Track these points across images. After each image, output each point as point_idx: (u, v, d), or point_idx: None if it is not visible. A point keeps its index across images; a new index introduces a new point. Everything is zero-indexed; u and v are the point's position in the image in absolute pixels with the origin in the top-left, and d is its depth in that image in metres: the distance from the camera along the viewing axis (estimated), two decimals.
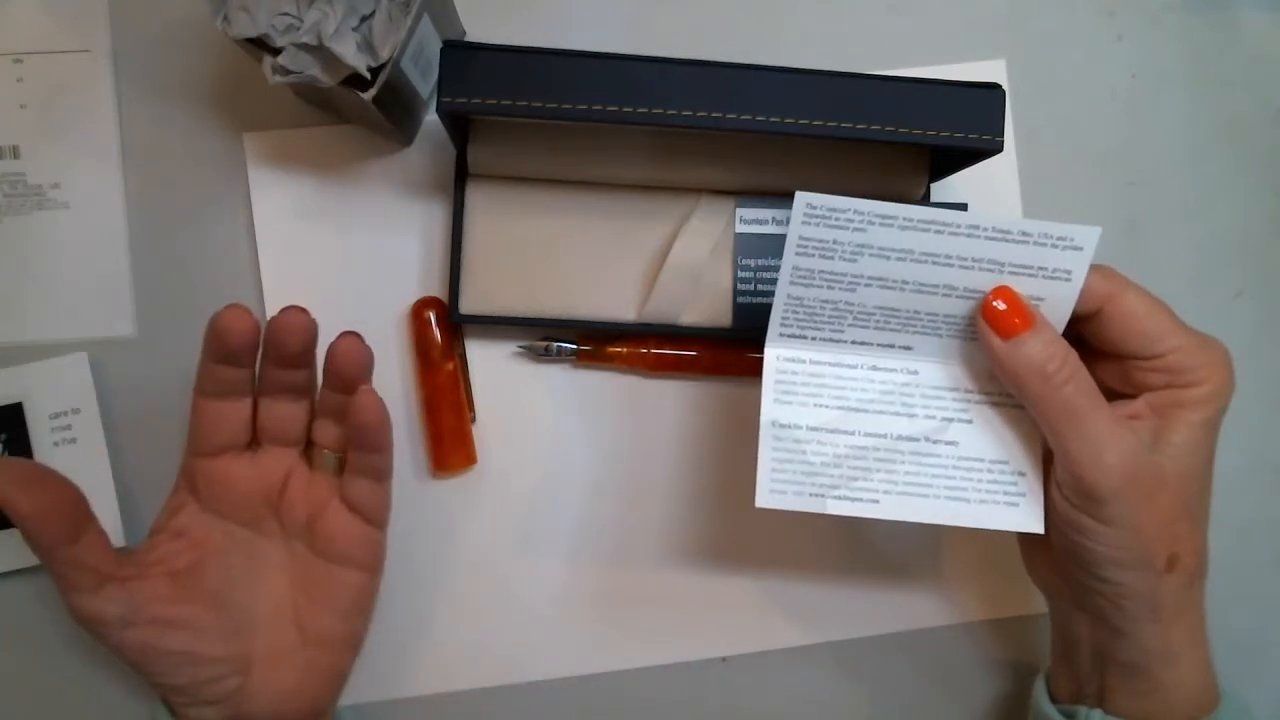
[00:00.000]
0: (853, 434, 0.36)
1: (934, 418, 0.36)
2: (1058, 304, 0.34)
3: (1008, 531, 0.36)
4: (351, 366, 0.37)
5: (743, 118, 0.36)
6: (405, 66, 0.37)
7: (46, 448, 0.43)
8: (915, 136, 0.37)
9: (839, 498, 0.35)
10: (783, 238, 0.42)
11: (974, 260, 0.34)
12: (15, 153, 0.44)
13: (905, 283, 0.34)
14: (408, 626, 0.44)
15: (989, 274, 0.34)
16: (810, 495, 0.35)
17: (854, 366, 0.36)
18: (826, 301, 0.35)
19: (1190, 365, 0.34)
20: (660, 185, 0.43)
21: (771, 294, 0.42)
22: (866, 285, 0.34)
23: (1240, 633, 0.46)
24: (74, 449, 0.43)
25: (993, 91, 0.37)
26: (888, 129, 0.37)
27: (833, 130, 0.36)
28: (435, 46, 0.39)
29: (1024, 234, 0.33)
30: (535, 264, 0.43)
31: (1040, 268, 0.34)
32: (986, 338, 0.34)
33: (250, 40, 0.36)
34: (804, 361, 0.36)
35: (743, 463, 0.45)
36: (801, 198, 0.32)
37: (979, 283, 0.34)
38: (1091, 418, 0.33)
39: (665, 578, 0.45)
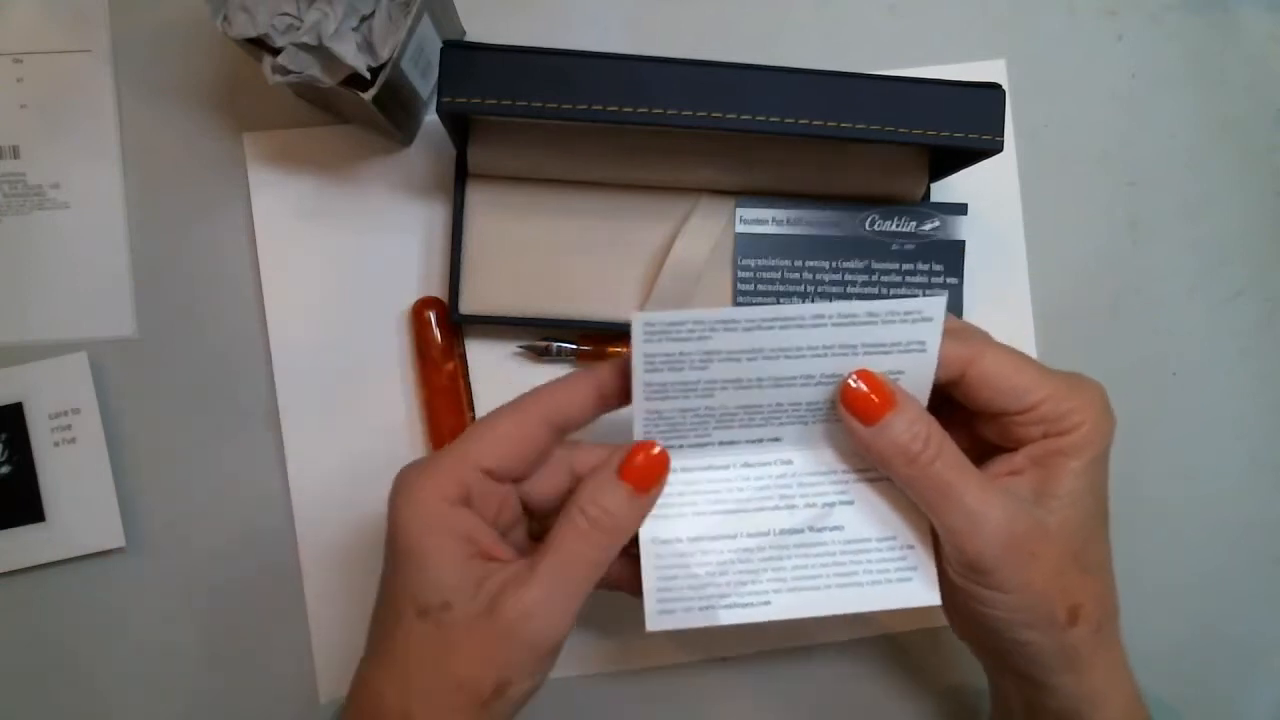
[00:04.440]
0: (735, 537, 0.35)
1: (815, 505, 0.35)
2: (917, 376, 0.33)
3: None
4: None
5: (743, 118, 0.36)
6: (405, 66, 0.37)
7: (46, 448, 0.43)
8: (915, 136, 0.37)
9: (729, 606, 0.34)
10: (783, 238, 0.42)
11: (825, 348, 0.33)
12: (15, 153, 0.44)
13: (761, 380, 0.33)
14: None
15: (844, 358, 0.33)
16: (700, 610, 0.34)
17: (726, 467, 0.35)
18: (686, 410, 0.34)
19: (1062, 411, 0.33)
20: (660, 185, 0.43)
21: (772, 293, 0.42)
22: (723, 389, 0.33)
23: (1240, 633, 0.47)
24: (74, 449, 0.43)
25: (993, 91, 0.37)
26: (888, 129, 0.37)
27: (833, 130, 0.36)
28: (435, 46, 0.39)
29: (870, 315, 0.32)
30: (535, 264, 0.43)
31: (894, 343, 0.33)
32: (850, 424, 0.33)
33: (250, 40, 0.36)
34: (675, 471, 0.34)
35: None
36: (638, 319, 0.31)
37: (836, 367, 0.33)
38: (962, 491, 0.32)
39: None
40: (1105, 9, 0.48)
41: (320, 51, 0.36)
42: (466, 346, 0.45)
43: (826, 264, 0.43)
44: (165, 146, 0.45)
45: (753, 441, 0.35)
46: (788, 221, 0.43)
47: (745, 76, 0.36)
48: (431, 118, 0.45)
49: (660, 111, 0.36)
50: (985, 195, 0.46)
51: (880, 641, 0.46)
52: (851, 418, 0.33)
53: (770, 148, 0.42)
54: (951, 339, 0.33)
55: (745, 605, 0.34)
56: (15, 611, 0.43)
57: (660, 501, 0.34)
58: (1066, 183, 0.47)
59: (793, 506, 0.35)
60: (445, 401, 0.43)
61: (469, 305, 0.43)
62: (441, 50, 0.35)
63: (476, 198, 0.43)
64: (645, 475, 0.33)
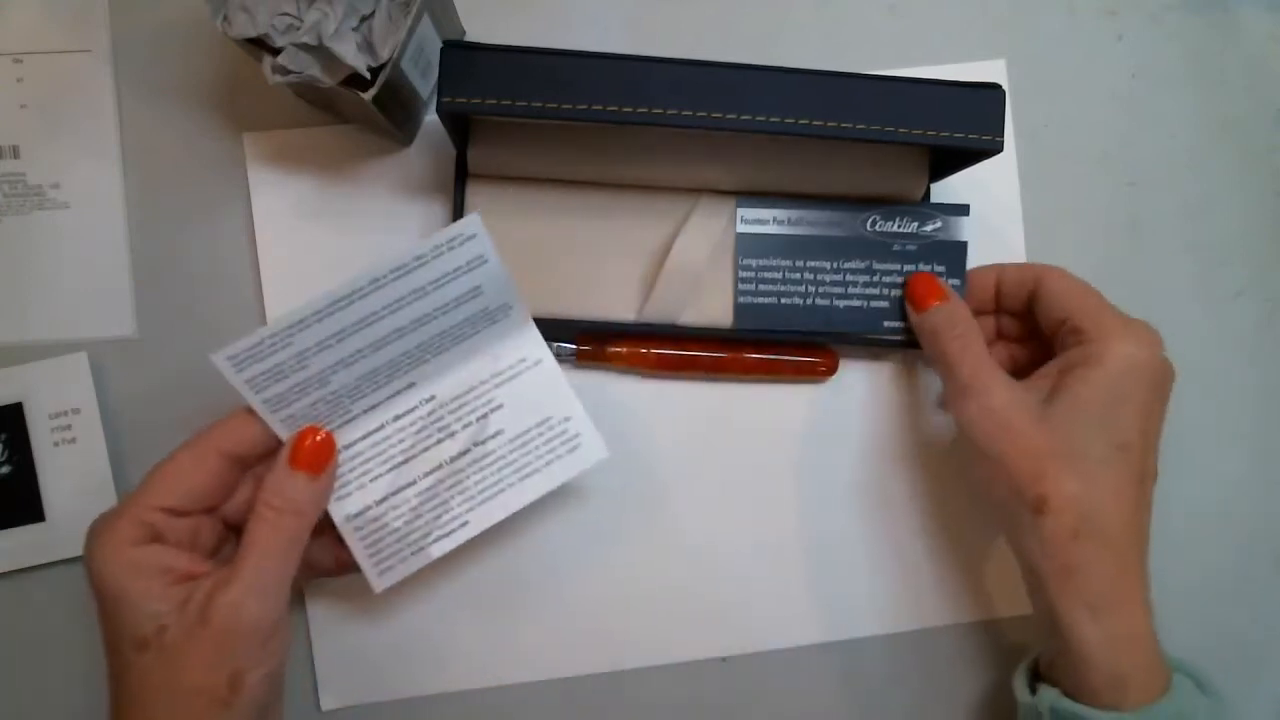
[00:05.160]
0: (414, 482, 0.38)
1: (470, 423, 0.38)
2: (493, 284, 0.36)
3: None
4: None
5: (743, 118, 0.36)
6: (405, 66, 0.37)
7: (46, 448, 0.43)
8: (915, 136, 0.37)
9: (436, 540, 0.38)
10: (785, 238, 0.42)
11: (398, 300, 0.35)
12: (15, 153, 0.44)
13: (360, 350, 0.35)
14: (407, 627, 0.44)
15: (422, 301, 0.35)
16: (413, 555, 0.38)
17: (380, 428, 0.38)
18: (315, 402, 0.36)
19: (1100, 326, 0.37)
20: (660, 185, 0.43)
21: (774, 293, 0.42)
22: (333, 373, 0.35)
23: (1240, 633, 0.47)
24: (74, 449, 0.43)
25: (993, 91, 0.37)
26: (888, 129, 0.37)
27: (833, 130, 0.36)
28: (435, 46, 0.39)
29: (418, 258, 0.34)
30: (535, 264, 0.43)
31: (456, 268, 0.35)
32: (908, 307, 0.42)
33: (250, 40, 0.36)
34: (339, 451, 0.37)
35: (741, 462, 0.45)
36: (216, 359, 0.33)
37: (419, 312, 0.35)
38: (965, 361, 0.38)
39: (665, 577, 0.45)
40: (1105, 9, 0.48)
41: (320, 51, 0.36)
42: None
43: (828, 264, 0.43)
44: (165, 146, 0.45)
45: (391, 396, 0.37)
46: (789, 221, 0.43)
47: (745, 76, 0.36)
48: (431, 118, 0.45)
49: (660, 111, 0.36)
50: (985, 195, 0.46)
51: (879, 642, 0.46)
52: (909, 302, 0.42)
53: (770, 148, 0.42)
54: (1031, 264, 0.42)
55: (448, 534, 0.38)
56: (15, 611, 0.43)
57: (337, 484, 0.37)
58: (1066, 183, 0.47)
59: (453, 434, 0.38)
60: None
61: None
62: (441, 50, 0.35)
63: (476, 198, 0.43)
64: (314, 458, 0.35)
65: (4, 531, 0.42)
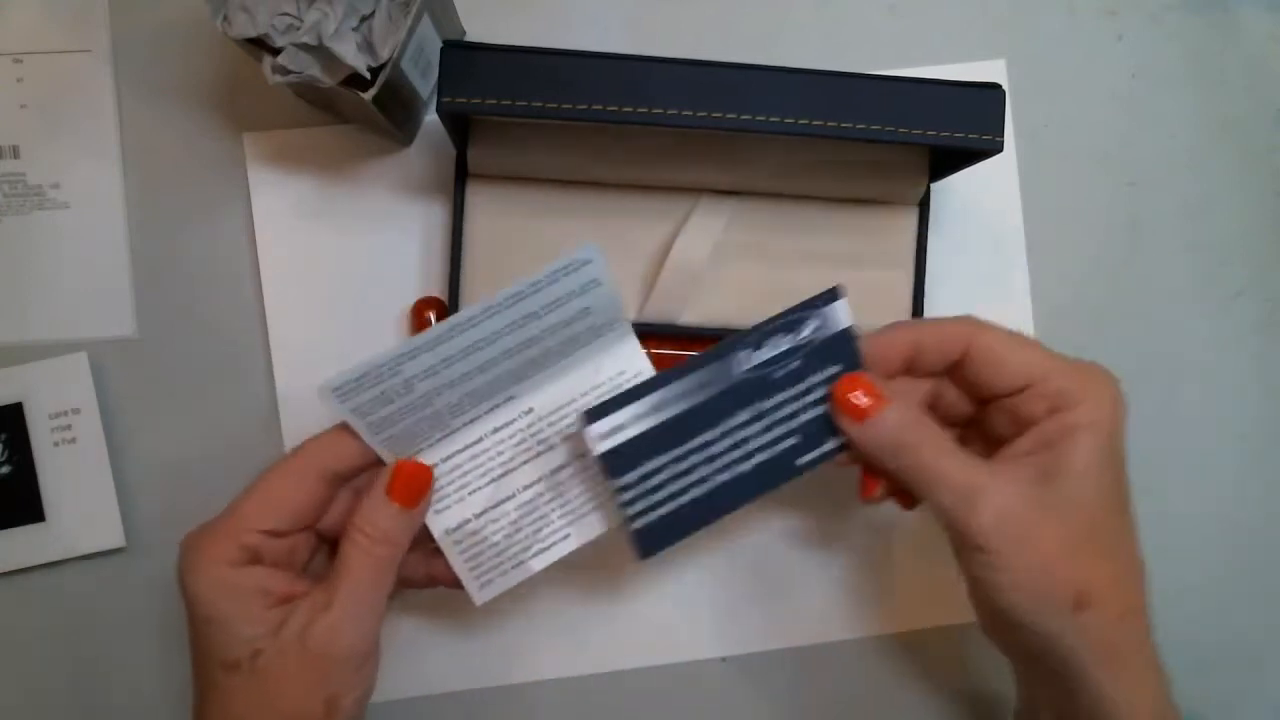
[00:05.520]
0: (513, 496, 0.37)
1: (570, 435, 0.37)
2: (603, 304, 0.35)
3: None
4: None
5: (743, 118, 0.36)
6: (405, 66, 0.37)
7: (46, 448, 0.43)
8: (915, 136, 0.37)
9: (536, 554, 0.37)
10: (652, 433, 0.35)
11: (510, 325, 0.34)
12: (15, 153, 0.44)
13: (467, 374, 0.35)
14: (408, 627, 0.44)
15: (532, 324, 0.34)
16: (513, 569, 0.37)
17: (479, 440, 0.37)
18: (418, 419, 0.35)
19: (1068, 386, 0.33)
20: (660, 185, 0.43)
21: (667, 498, 0.36)
22: (437, 395, 0.35)
23: (1242, 633, 0.47)
24: (74, 449, 0.43)
25: (993, 91, 0.37)
26: (888, 129, 0.37)
27: (833, 130, 0.36)
28: (435, 46, 0.39)
29: (534, 284, 0.34)
30: (535, 264, 0.42)
31: (569, 292, 0.34)
32: (842, 424, 0.35)
33: (250, 40, 0.36)
34: (437, 465, 0.36)
35: None
36: (322, 390, 0.33)
37: (530, 334, 0.35)
38: (948, 471, 0.33)
39: (665, 578, 0.45)
40: (1105, 9, 0.48)
41: (320, 51, 0.36)
42: None
43: (713, 434, 0.35)
44: (165, 146, 0.45)
45: (490, 410, 0.37)
46: (651, 410, 0.34)
47: (745, 76, 0.36)
48: (431, 118, 0.45)
49: (660, 111, 0.36)
50: (985, 195, 0.46)
51: (878, 643, 0.46)
52: (843, 416, 0.35)
53: (770, 148, 0.42)
54: (954, 319, 0.35)
55: (549, 547, 0.37)
56: (15, 611, 0.43)
57: (436, 498, 0.36)
58: (1066, 183, 0.47)
59: (552, 446, 0.37)
60: None
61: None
62: (441, 50, 0.35)
63: (476, 198, 0.43)
64: (410, 492, 0.34)
65: (4, 531, 0.42)
